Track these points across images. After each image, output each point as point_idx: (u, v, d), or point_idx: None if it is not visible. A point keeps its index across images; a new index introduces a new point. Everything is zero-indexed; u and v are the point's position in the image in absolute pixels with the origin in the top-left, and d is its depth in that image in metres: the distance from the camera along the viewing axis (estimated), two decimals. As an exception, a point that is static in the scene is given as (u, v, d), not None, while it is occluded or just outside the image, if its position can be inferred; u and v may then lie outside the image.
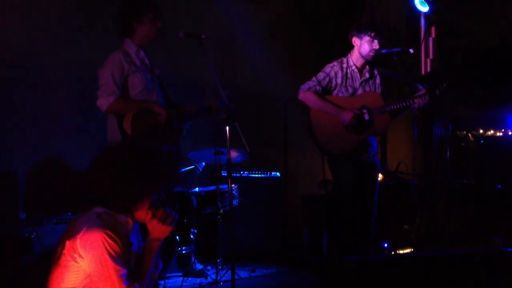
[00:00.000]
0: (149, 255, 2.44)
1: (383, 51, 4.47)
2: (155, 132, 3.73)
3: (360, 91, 4.50)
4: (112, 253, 2.23)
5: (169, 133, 3.86)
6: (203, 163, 5.25)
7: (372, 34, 4.39)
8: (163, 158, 2.40)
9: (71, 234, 2.27)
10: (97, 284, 2.25)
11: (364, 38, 4.41)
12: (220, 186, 4.82)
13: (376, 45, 4.40)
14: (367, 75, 4.54)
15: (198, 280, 4.77)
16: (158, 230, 2.42)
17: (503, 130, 6.14)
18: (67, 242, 2.26)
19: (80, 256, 2.24)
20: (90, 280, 2.26)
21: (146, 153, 2.39)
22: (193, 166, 5.22)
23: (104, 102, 3.67)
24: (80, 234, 2.24)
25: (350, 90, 4.48)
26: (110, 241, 2.23)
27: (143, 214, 2.40)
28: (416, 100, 4.30)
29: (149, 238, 2.45)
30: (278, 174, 6.03)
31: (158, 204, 2.43)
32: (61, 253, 2.28)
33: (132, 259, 2.43)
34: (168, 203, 3.97)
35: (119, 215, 2.36)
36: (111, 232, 2.25)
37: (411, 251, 5.27)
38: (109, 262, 2.22)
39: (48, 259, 2.37)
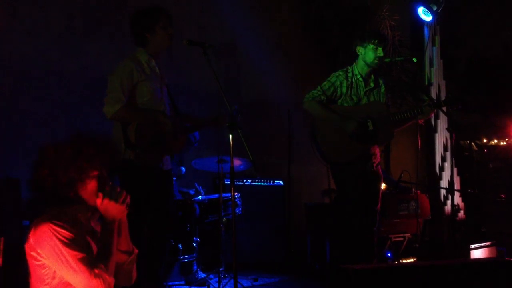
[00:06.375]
0: (109, 236, 2.38)
1: (387, 60, 4.47)
2: (159, 141, 3.74)
3: (364, 100, 4.50)
4: (64, 239, 2.22)
5: (173, 142, 3.87)
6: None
7: (376, 41, 4.40)
8: (83, 140, 2.38)
9: (26, 238, 2.30)
10: (65, 276, 2.24)
11: (368, 46, 4.42)
12: (223, 194, 4.83)
13: (380, 52, 4.41)
14: (372, 84, 4.54)
15: (201, 289, 4.76)
16: (110, 209, 2.36)
17: (506, 139, 6.13)
18: (26, 247, 2.29)
19: (39, 254, 2.25)
20: (58, 274, 2.26)
21: (67, 140, 2.38)
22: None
23: (109, 109, 3.68)
24: (31, 233, 2.27)
25: (354, 99, 4.48)
26: (58, 228, 2.23)
27: (92, 199, 2.37)
28: (420, 111, 4.32)
29: (104, 221, 2.39)
30: (281, 182, 6.01)
31: (106, 185, 2.38)
32: (26, 259, 2.30)
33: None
34: (170, 210, 4.01)
35: (75, 207, 2.36)
36: (57, 221, 2.25)
37: (414, 261, 5.25)
38: (64, 249, 2.22)
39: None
